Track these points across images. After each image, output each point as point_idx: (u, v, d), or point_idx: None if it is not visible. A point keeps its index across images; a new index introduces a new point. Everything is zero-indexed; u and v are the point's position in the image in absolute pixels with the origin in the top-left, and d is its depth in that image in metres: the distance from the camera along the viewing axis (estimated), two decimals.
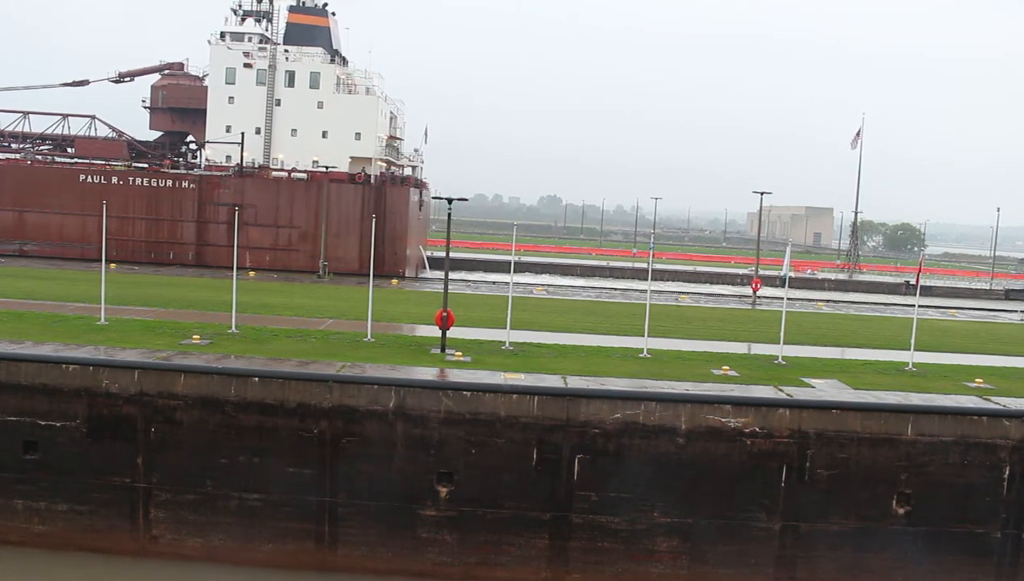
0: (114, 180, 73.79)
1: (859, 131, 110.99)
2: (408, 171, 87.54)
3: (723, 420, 28.11)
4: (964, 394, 31.30)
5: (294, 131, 78.33)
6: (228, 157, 77.23)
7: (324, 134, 78.12)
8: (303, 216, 72.58)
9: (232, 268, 38.84)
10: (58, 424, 28.58)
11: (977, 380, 33.58)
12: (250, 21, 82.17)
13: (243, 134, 75.73)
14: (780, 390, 30.36)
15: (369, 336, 36.54)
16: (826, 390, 30.91)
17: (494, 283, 70.23)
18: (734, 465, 28.10)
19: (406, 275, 73.46)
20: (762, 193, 78.01)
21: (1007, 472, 28.34)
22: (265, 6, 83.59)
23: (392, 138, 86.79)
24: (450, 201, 36.46)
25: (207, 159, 79.30)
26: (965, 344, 45.79)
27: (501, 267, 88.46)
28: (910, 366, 35.95)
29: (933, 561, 28.36)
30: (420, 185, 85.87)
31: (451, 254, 37.16)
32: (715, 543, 28.16)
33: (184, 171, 76.68)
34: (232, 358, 30.90)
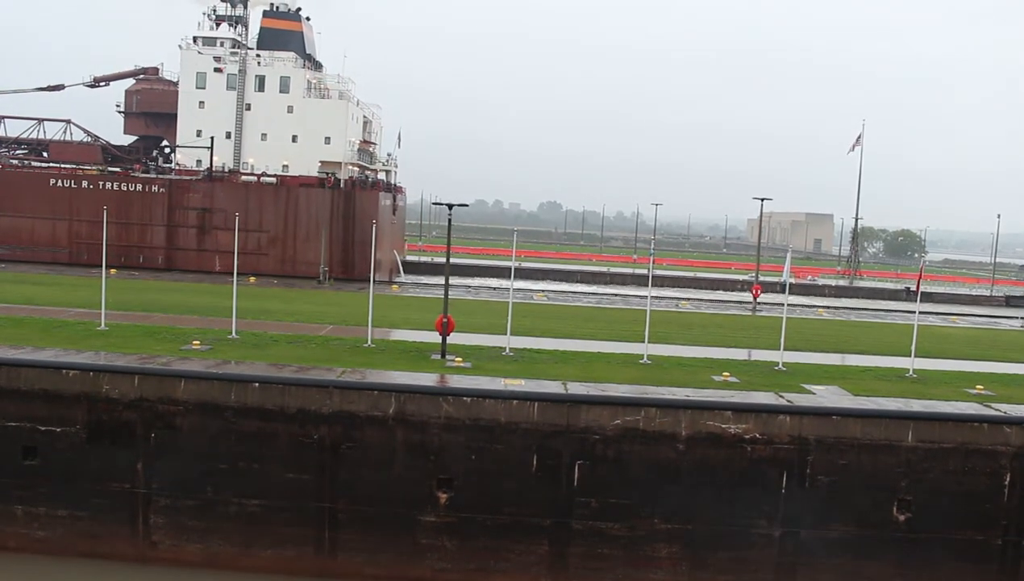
0: (84, 184, 73.98)
1: (859, 137, 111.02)
2: (382, 176, 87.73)
3: (723, 426, 28.09)
4: (964, 401, 31.27)
5: (264, 135, 78.49)
6: (199, 161, 77.34)
7: (294, 138, 78.30)
8: (272, 220, 72.63)
9: (233, 274, 38.80)
10: (58, 429, 28.57)
11: (978, 387, 33.56)
12: (224, 26, 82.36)
13: (212, 138, 75.91)
14: (780, 396, 30.33)
15: (369, 342, 36.53)
16: (826, 396, 30.88)
17: (494, 289, 70.23)
18: (734, 471, 28.07)
19: (376, 280, 73.55)
20: (762, 199, 78.02)
21: (1007, 479, 28.30)
22: (239, 11, 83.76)
23: (366, 143, 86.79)
24: (450, 207, 36.52)
25: (178, 163, 79.39)
26: (965, 350, 45.76)
27: (501, 273, 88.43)
28: (910, 372, 35.92)
29: (933, 568, 28.31)
30: (394, 189, 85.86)
31: (451, 259, 37.16)
32: (715, 549, 28.12)
33: (154, 175, 76.74)
34: (232, 363, 30.90)
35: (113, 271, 56.03)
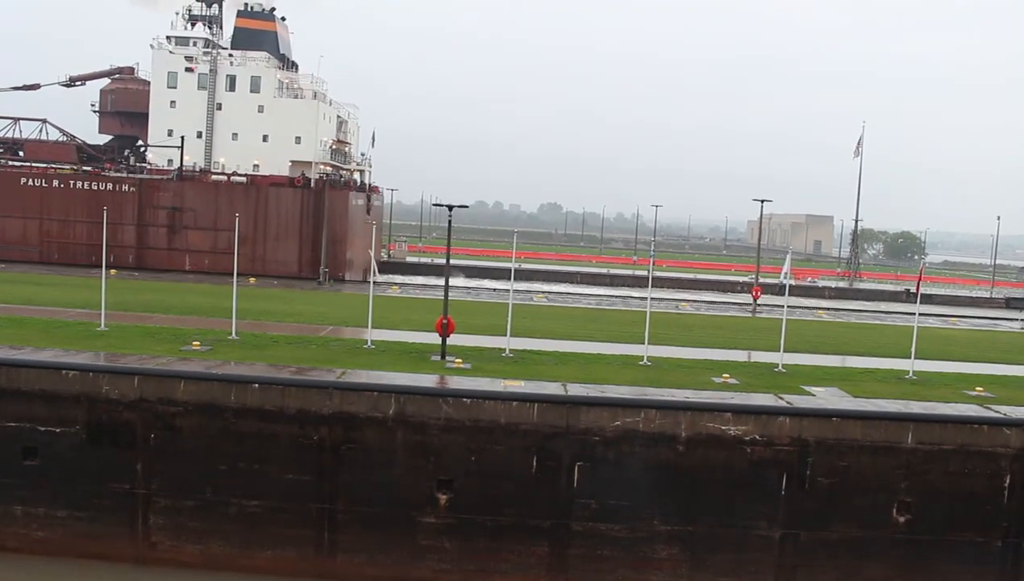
0: (55, 183, 74.18)
1: (860, 140, 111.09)
2: (357, 176, 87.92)
3: (723, 428, 28.08)
4: (964, 402, 31.24)
5: (235, 135, 78.62)
6: (170, 161, 77.50)
7: (264, 138, 78.45)
8: (242, 219, 72.48)
9: (237, 276, 38.80)
10: (58, 430, 28.55)
11: (977, 388, 33.55)
12: (200, 26, 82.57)
13: (183, 138, 76.13)
14: (780, 398, 30.32)
15: (369, 343, 36.53)
16: (826, 398, 30.88)
17: (494, 290, 70.26)
18: (734, 473, 28.05)
19: (347, 279, 73.72)
20: (762, 201, 78.05)
21: (1007, 481, 28.28)
22: (214, 11, 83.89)
23: (340, 142, 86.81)
24: (450, 208, 36.52)
25: (149, 163, 79.52)
26: (965, 352, 45.75)
27: (501, 274, 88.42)
28: (910, 374, 35.92)
29: (933, 570, 28.30)
30: (368, 189, 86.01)
31: (451, 261, 37.16)
32: (715, 551, 28.11)
33: (125, 174, 76.89)
34: (232, 364, 30.90)
35: (113, 272, 56.05)
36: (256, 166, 77.03)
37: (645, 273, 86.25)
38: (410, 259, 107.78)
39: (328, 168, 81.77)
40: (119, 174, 76.46)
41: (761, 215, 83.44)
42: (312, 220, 73.37)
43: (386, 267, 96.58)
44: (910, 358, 36.96)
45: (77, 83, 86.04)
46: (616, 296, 74.33)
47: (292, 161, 78.07)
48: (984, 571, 28.49)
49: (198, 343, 34.29)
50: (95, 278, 40.61)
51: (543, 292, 71.93)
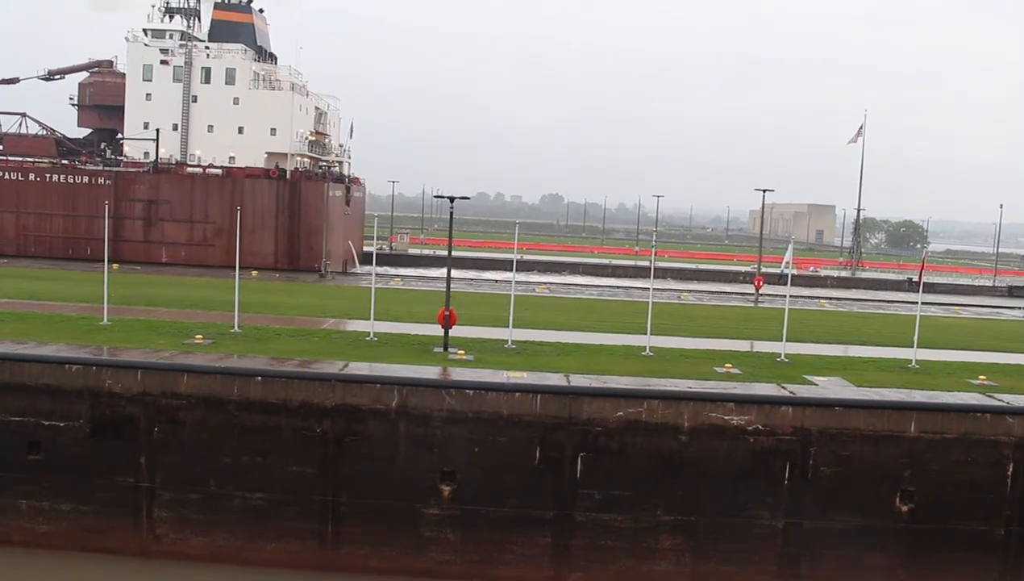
0: (31, 177, 74.43)
1: (860, 127, 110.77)
2: (336, 168, 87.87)
3: (726, 418, 28.10)
4: (967, 391, 31.25)
5: (211, 127, 78.70)
6: (146, 153, 77.59)
7: (240, 130, 78.46)
8: (218, 211, 72.70)
9: (235, 269, 38.80)
10: (61, 424, 28.63)
11: (980, 377, 33.55)
12: (178, 18, 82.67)
13: (158, 130, 76.21)
14: (783, 388, 30.34)
15: (371, 335, 36.56)
16: (829, 387, 30.89)
17: (496, 282, 70.21)
18: (737, 463, 28.08)
19: (325, 271, 73.87)
20: (764, 190, 77.82)
21: (1011, 469, 28.28)
22: (192, 3, 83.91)
23: (319, 134, 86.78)
24: (452, 200, 36.51)
25: (125, 155, 79.58)
26: (968, 341, 45.73)
27: (503, 265, 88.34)
28: (913, 363, 35.93)
29: (936, 559, 28.34)
30: (348, 181, 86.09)
31: (453, 252, 37.15)
32: (718, 541, 28.15)
33: (100, 168, 76.99)
34: (235, 357, 30.93)
35: (116, 266, 56.06)
36: (232, 158, 77.06)
37: (647, 264, 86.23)
38: (412, 251, 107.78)
39: (306, 160, 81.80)
40: (95, 167, 76.61)
41: (763, 205, 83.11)
42: (288, 211, 73.63)
43: (388, 259, 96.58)
44: (913, 347, 36.97)
45: (56, 77, 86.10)
46: (618, 287, 74.32)
47: (268, 153, 78.13)
48: (987, 560, 28.52)
49: (201, 337, 34.33)
50: (95, 272, 40.62)
51: (545, 283, 71.90)
